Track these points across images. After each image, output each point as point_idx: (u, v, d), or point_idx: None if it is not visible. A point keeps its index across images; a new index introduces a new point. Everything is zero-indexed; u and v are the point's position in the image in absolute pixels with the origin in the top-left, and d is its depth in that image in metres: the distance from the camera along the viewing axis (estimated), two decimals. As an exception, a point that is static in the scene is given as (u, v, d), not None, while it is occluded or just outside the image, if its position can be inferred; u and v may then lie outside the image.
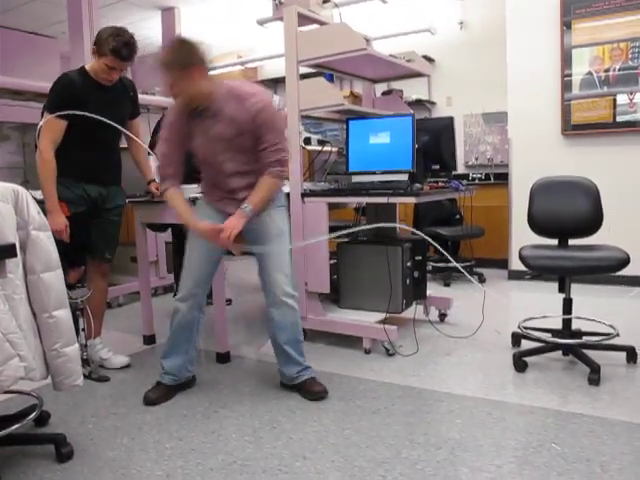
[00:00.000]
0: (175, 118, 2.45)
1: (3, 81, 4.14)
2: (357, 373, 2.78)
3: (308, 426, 2.22)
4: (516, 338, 3.07)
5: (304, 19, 3.20)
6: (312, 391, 2.52)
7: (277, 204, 2.55)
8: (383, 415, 2.29)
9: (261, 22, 4.60)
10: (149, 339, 3.43)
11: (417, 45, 5.71)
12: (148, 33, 6.48)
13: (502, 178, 5.22)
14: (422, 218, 5.00)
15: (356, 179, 3.28)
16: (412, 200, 2.88)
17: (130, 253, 4.43)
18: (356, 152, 3.29)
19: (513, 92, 4.78)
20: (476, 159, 5.80)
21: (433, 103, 6.08)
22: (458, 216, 4.91)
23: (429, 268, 5.04)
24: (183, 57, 2.25)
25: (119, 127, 2.77)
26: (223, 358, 3.03)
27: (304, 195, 3.19)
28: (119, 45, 2.62)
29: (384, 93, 5.75)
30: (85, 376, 2.80)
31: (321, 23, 3.27)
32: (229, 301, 4.47)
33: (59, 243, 2.76)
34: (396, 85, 6.04)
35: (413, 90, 6.00)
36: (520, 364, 2.75)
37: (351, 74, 3.60)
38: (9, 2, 5.60)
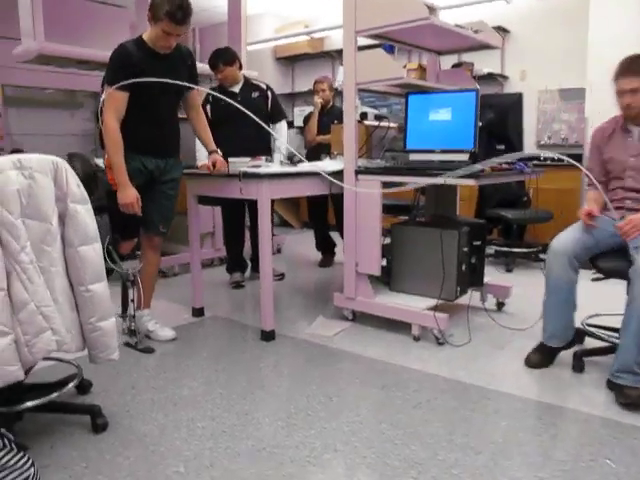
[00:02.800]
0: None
1: (66, 50, 4.21)
2: (403, 361, 2.67)
3: (344, 416, 2.14)
4: (579, 335, 2.85)
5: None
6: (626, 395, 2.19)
7: None
8: (424, 409, 2.18)
9: (325, -10, 4.42)
10: (198, 311, 3.43)
11: (491, 15, 5.38)
12: (214, 1, 6.43)
13: (576, 159, 4.82)
14: (487, 199, 4.74)
15: (414, 157, 3.12)
16: (471, 182, 2.68)
17: (187, 223, 4.46)
18: (415, 129, 3.11)
19: (593, 67, 4.38)
20: (549, 138, 5.42)
21: (505, 77, 5.72)
22: (525, 198, 4.63)
23: (492, 252, 4.81)
24: None
25: (184, 84, 2.71)
26: (267, 336, 2.99)
27: (358, 172, 3.06)
28: (173, 8, 2.56)
29: (454, 66, 5.47)
30: (131, 346, 2.88)
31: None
32: (282, 275, 4.44)
33: (114, 215, 2.82)
34: (467, 58, 5.72)
35: (485, 63, 5.65)
36: (580, 364, 2.55)
37: (414, 45, 3.39)
38: (81, -29, 5.67)
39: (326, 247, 4.98)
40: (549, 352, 2.61)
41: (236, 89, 3.98)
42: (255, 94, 4.03)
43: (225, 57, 3.91)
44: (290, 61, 7.67)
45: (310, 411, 2.18)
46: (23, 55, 4.39)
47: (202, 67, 4.99)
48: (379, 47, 3.26)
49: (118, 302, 2.97)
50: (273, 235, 5.54)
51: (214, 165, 2.94)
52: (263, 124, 2.88)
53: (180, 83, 2.66)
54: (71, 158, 4.80)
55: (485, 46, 3.31)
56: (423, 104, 3.04)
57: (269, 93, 4.11)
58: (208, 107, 3.96)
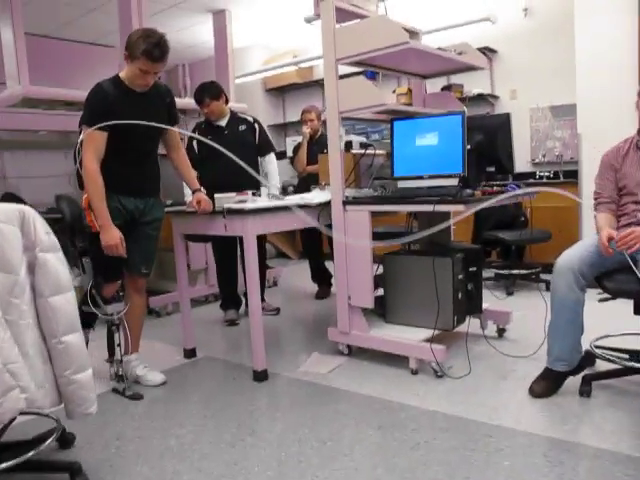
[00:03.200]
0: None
1: (51, 92, 4.20)
2: (400, 397, 2.55)
3: (337, 462, 2.02)
4: (589, 358, 2.71)
5: (345, 14, 3.00)
6: None
7: None
8: (422, 451, 2.05)
9: (308, 20, 4.42)
10: (189, 352, 3.33)
11: (478, 36, 5.37)
12: (202, 37, 6.47)
13: (572, 176, 4.80)
14: (483, 221, 4.65)
15: (402, 184, 3.05)
16: (460, 208, 2.60)
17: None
18: (402, 155, 3.04)
19: (582, 82, 4.34)
20: (543, 156, 5.36)
21: (496, 97, 5.68)
22: (523, 219, 4.54)
23: (492, 275, 4.71)
24: None
25: (161, 125, 2.67)
26: (259, 377, 2.87)
27: (345, 203, 2.99)
28: (149, 47, 2.53)
29: (444, 88, 5.45)
30: (119, 392, 2.77)
31: (365, 18, 3.04)
32: (277, 310, 4.34)
33: (96, 257, 2.75)
34: (456, 80, 5.71)
35: (474, 84, 5.64)
36: (587, 390, 2.43)
37: (398, 70, 3.35)
38: (68, 15, 5.72)
39: (322, 278, 4.88)
40: (555, 378, 2.49)
41: (223, 123, 3.94)
42: (242, 127, 3.99)
43: (211, 91, 3.87)
44: (280, 92, 7.68)
45: (302, 457, 2.06)
46: (8, 99, 4.38)
47: (188, 102, 4.98)
48: (363, 74, 3.23)
49: (104, 347, 2.88)
50: (269, 268, 5.50)
51: (199, 204, 2.88)
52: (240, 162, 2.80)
53: (155, 124, 2.60)
54: (58, 200, 4.75)
55: (470, 67, 3.26)
56: (409, 130, 2.98)
57: (256, 126, 4.07)
58: (194, 142, 3.92)
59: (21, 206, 1.80)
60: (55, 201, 5.06)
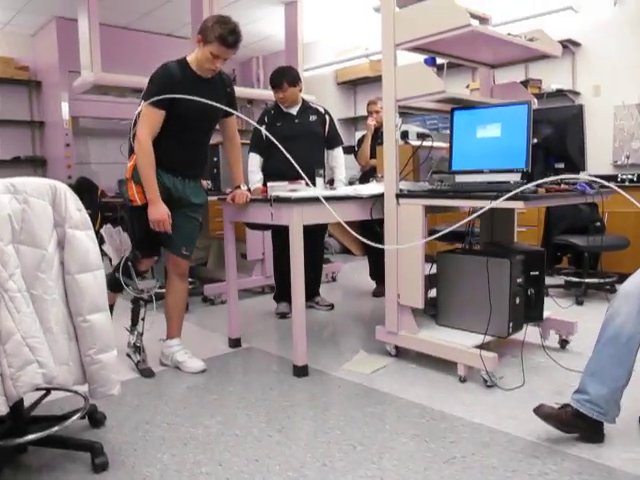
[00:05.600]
0: None
1: (119, 80, 4.29)
2: (443, 406, 2.38)
3: (363, 469, 1.88)
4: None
5: (409, -1, 2.84)
6: None
7: None
8: (457, 467, 1.88)
9: (377, 9, 4.28)
10: (234, 342, 3.28)
11: (560, 28, 5.01)
12: (274, 30, 6.46)
13: (661, 180, 4.39)
14: (554, 224, 4.34)
15: (460, 179, 2.86)
16: (519, 205, 2.39)
17: (239, 249, 4.36)
18: (461, 148, 2.85)
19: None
20: (627, 158, 4.92)
21: (577, 93, 5.28)
22: (599, 224, 4.19)
23: (561, 282, 4.40)
24: None
25: (223, 107, 2.69)
26: (299, 372, 2.78)
27: (399, 196, 2.84)
28: (225, 32, 2.55)
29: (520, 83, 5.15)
30: (131, 359, 2.85)
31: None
32: (331, 306, 4.24)
33: (134, 230, 2.78)
34: (535, 74, 5.39)
35: (554, 79, 5.28)
36: (654, 417, 2.15)
37: (464, 59, 3.14)
38: (145, 7, 5.86)
39: (380, 276, 4.71)
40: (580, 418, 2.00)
41: (293, 111, 3.86)
42: (313, 117, 3.90)
43: (290, 77, 3.77)
44: (352, 85, 7.56)
45: (327, 461, 1.95)
46: (82, 86, 4.53)
47: (260, 93, 4.94)
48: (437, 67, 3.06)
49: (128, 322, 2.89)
50: (328, 262, 5.40)
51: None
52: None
53: (217, 105, 2.61)
54: (120, 185, 4.88)
55: (543, 55, 3.02)
56: (470, 120, 2.79)
57: (327, 118, 3.97)
58: (264, 128, 3.87)
59: (53, 181, 1.80)
60: (118, 186, 5.23)
